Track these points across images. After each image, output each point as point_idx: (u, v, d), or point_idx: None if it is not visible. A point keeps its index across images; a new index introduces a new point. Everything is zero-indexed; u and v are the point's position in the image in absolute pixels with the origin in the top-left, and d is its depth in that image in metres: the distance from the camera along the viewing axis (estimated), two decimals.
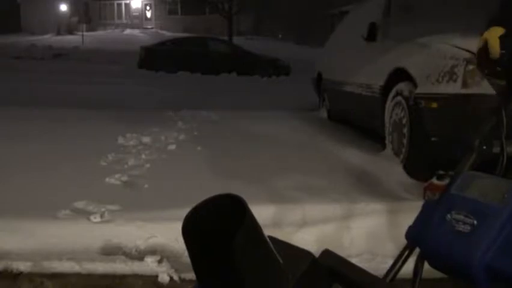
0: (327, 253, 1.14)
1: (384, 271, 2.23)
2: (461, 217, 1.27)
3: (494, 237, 1.19)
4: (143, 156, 3.78)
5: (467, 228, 1.25)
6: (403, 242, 2.44)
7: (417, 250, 1.42)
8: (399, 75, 3.63)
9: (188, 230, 0.84)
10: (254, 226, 0.86)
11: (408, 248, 1.48)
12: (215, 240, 0.85)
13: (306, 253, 1.03)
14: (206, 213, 0.86)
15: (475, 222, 1.23)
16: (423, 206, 1.46)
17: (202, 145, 4.22)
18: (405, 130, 3.51)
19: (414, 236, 1.45)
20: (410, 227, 1.47)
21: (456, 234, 1.27)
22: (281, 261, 0.91)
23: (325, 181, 3.16)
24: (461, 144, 3.05)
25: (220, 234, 0.84)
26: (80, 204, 2.61)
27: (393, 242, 2.38)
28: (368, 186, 3.09)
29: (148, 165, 3.52)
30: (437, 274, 1.54)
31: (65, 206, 2.57)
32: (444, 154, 3.19)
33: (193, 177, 3.20)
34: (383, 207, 2.61)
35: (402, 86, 3.59)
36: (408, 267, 2.26)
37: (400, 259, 1.46)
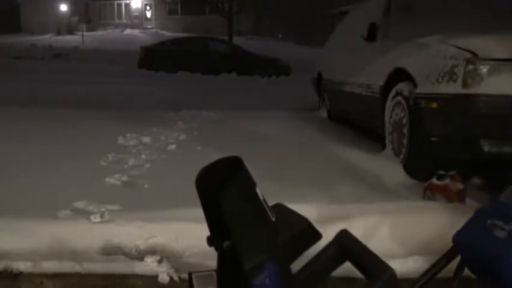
0: (344, 233, 1.21)
1: None
2: (500, 223, 1.29)
3: None
4: (143, 156, 3.78)
5: (504, 234, 1.26)
6: (403, 242, 2.44)
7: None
8: (399, 75, 3.63)
9: (196, 186, 1.03)
10: (245, 182, 0.99)
11: (453, 251, 1.51)
12: (209, 192, 0.98)
13: (303, 219, 1.14)
14: (209, 171, 1.03)
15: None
16: (474, 213, 1.49)
17: (202, 145, 4.22)
18: (405, 130, 3.51)
19: (458, 240, 1.48)
20: (457, 231, 1.49)
21: (492, 239, 1.29)
22: (273, 219, 0.99)
23: (325, 181, 3.16)
24: (461, 144, 3.06)
25: (213, 187, 0.96)
26: (80, 204, 2.61)
27: (393, 242, 2.38)
28: (368, 186, 3.09)
29: (148, 165, 3.52)
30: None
31: (65, 206, 2.56)
32: (444, 154, 3.19)
33: (193, 177, 3.19)
34: (383, 207, 2.61)
35: (402, 86, 3.59)
36: (408, 268, 2.26)
37: (442, 261, 1.49)
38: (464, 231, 1.40)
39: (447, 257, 1.42)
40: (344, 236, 1.24)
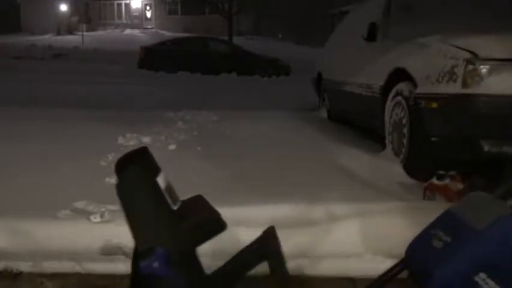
0: (271, 232, 1.24)
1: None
2: (441, 233, 1.30)
3: (459, 258, 1.19)
4: None
5: (440, 244, 1.27)
6: (403, 241, 2.44)
7: None
8: (399, 75, 3.63)
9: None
10: (139, 171, 1.07)
11: (404, 260, 1.53)
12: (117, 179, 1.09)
13: (213, 211, 1.17)
14: (123, 159, 1.12)
15: (449, 240, 1.25)
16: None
17: (202, 145, 4.21)
18: (405, 130, 3.51)
19: (407, 249, 1.52)
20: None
21: (431, 249, 1.30)
22: (174, 207, 1.04)
23: (325, 181, 3.16)
24: (461, 144, 3.06)
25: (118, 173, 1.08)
26: (80, 204, 2.61)
27: (393, 242, 2.38)
28: (368, 187, 3.09)
29: None
30: None
31: (65, 206, 2.56)
32: (444, 154, 3.19)
33: (193, 177, 3.20)
34: (383, 207, 2.61)
35: (402, 86, 3.59)
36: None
37: (393, 269, 1.51)
38: (413, 240, 1.42)
39: (397, 266, 1.43)
40: (269, 235, 1.27)
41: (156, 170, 1.09)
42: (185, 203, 1.08)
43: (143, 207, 1.01)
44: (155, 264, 0.97)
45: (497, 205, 1.28)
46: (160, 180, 1.06)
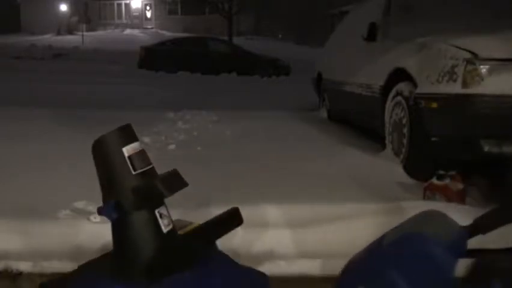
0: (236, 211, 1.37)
1: None
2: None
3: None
4: None
5: None
6: None
7: None
8: (399, 75, 3.63)
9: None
10: (112, 140, 1.26)
11: None
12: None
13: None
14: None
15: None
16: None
17: (202, 145, 4.21)
18: (405, 130, 3.51)
19: None
20: None
21: None
22: (133, 172, 1.23)
23: (324, 181, 3.16)
24: (461, 144, 3.06)
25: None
26: (80, 204, 2.61)
27: None
28: (368, 187, 3.08)
29: None
30: None
31: (65, 206, 2.56)
32: (444, 154, 3.19)
33: (193, 177, 3.19)
34: (383, 208, 2.61)
35: (402, 86, 3.59)
36: None
37: None
38: None
39: None
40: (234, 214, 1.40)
41: (128, 142, 1.27)
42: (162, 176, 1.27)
43: (104, 168, 1.27)
44: (108, 212, 1.23)
45: (430, 224, 1.17)
46: (127, 150, 1.25)
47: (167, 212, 1.27)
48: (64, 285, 1.25)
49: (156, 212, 1.23)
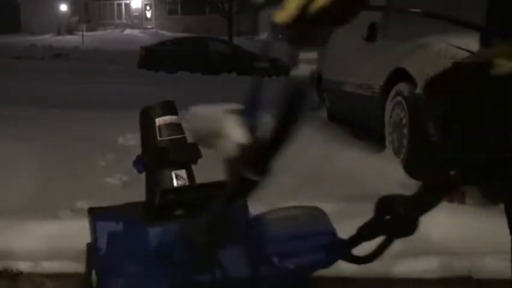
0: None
1: (385, 271, 2.24)
2: None
3: None
4: None
5: None
6: (403, 241, 2.43)
7: None
8: (399, 75, 3.63)
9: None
10: (151, 111, 1.56)
11: None
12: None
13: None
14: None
15: None
16: None
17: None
18: (405, 130, 3.51)
19: None
20: None
21: None
22: (159, 139, 1.51)
23: (324, 181, 3.16)
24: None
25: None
26: (80, 204, 2.61)
27: (393, 242, 2.38)
28: (368, 187, 3.08)
29: None
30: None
31: (65, 206, 2.56)
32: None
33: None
34: None
35: (402, 86, 3.59)
36: (408, 268, 2.26)
37: None
38: None
39: None
40: None
41: (161, 114, 1.56)
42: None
43: (142, 132, 1.59)
44: (137, 166, 1.57)
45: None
46: (159, 120, 1.53)
47: (187, 176, 1.50)
48: (110, 215, 1.47)
49: (173, 173, 1.47)
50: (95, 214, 1.45)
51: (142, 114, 1.58)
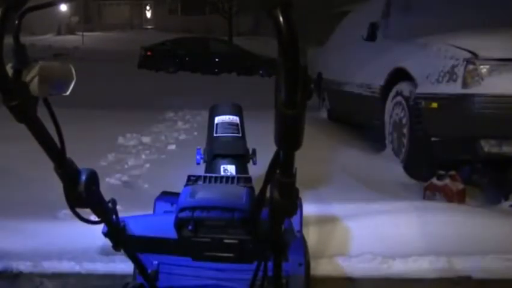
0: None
1: (385, 271, 2.24)
2: None
3: None
4: (143, 156, 3.78)
5: None
6: (403, 242, 2.44)
7: None
8: (399, 75, 3.63)
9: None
10: (216, 110, 1.84)
11: None
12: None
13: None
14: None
15: None
16: None
17: (202, 145, 4.21)
18: (405, 130, 3.51)
19: None
20: None
21: None
22: (214, 134, 1.74)
23: (324, 181, 3.16)
24: (461, 144, 3.06)
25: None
26: None
27: (393, 242, 2.38)
28: (368, 186, 3.08)
29: (148, 165, 3.52)
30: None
31: (65, 206, 2.55)
32: (444, 154, 3.19)
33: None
34: (383, 207, 2.61)
35: (402, 86, 3.59)
36: (408, 267, 2.26)
37: None
38: None
39: None
40: None
41: (221, 114, 1.76)
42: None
43: (208, 128, 1.77)
44: (196, 154, 1.70)
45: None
46: (217, 119, 1.74)
47: (237, 171, 1.60)
48: (169, 198, 1.49)
49: (222, 166, 1.60)
50: (159, 196, 1.53)
51: (209, 111, 1.80)
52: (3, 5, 0.75)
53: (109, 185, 3.06)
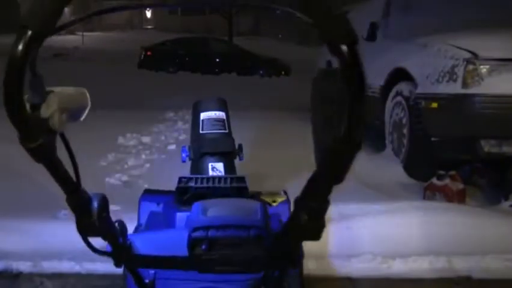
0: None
1: (385, 271, 2.24)
2: None
3: None
4: (143, 156, 3.78)
5: None
6: (403, 241, 2.44)
7: None
8: (399, 75, 3.63)
9: None
10: (199, 106, 1.73)
11: None
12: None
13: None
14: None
15: None
16: None
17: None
18: (405, 130, 3.50)
19: None
20: None
21: None
22: (200, 132, 1.67)
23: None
24: (461, 144, 3.06)
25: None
26: None
27: (393, 242, 2.38)
28: (368, 186, 3.08)
29: (148, 165, 3.52)
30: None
31: (65, 206, 2.55)
32: (444, 154, 3.19)
33: None
34: (383, 207, 2.61)
35: (402, 86, 3.59)
36: (408, 267, 2.26)
37: None
38: None
39: None
40: None
41: (207, 109, 1.69)
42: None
43: (191, 125, 1.67)
44: (181, 152, 1.61)
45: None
46: (203, 115, 1.67)
47: (226, 169, 1.57)
48: (154, 198, 1.48)
49: (210, 164, 1.56)
50: (143, 195, 1.52)
51: (193, 108, 1.71)
52: (29, 33, 0.66)
53: (109, 185, 3.07)
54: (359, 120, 0.65)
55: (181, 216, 1.30)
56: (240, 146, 1.69)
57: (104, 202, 0.97)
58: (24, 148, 0.73)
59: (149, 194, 1.50)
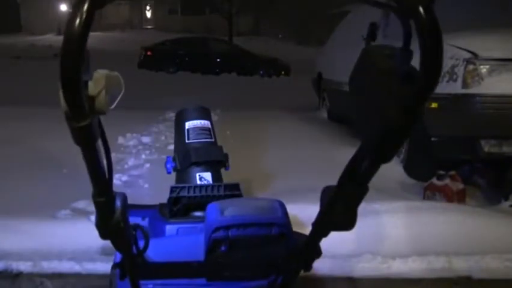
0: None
1: (385, 271, 2.24)
2: None
3: None
4: (143, 156, 3.78)
5: None
6: (403, 241, 2.44)
7: None
8: None
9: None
10: (184, 115, 1.70)
11: None
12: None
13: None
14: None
15: None
16: None
17: None
18: None
19: None
20: None
21: None
22: (186, 141, 1.61)
23: (324, 181, 3.16)
24: (461, 144, 3.06)
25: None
26: (80, 204, 2.61)
27: (393, 242, 2.38)
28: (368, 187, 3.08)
29: (148, 165, 3.52)
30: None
31: (65, 206, 2.57)
32: (444, 154, 3.19)
33: None
34: (383, 207, 2.61)
35: None
36: (408, 267, 2.26)
37: None
38: None
39: None
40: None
41: (192, 119, 1.65)
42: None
43: (175, 132, 1.68)
44: (166, 166, 1.59)
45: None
46: (188, 124, 1.63)
47: (213, 179, 1.54)
48: (140, 212, 1.47)
49: (197, 174, 1.52)
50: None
51: (176, 117, 1.67)
52: (86, 4, 0.64)
53: None
54: (433, 83, 0.64)
55: (170, 228, 1.29)
56: (226, 155, 1.66)
57: (126, 202, 0.93)
58: (70, 128, 0.70)
59: (133, 209, 1.43)
